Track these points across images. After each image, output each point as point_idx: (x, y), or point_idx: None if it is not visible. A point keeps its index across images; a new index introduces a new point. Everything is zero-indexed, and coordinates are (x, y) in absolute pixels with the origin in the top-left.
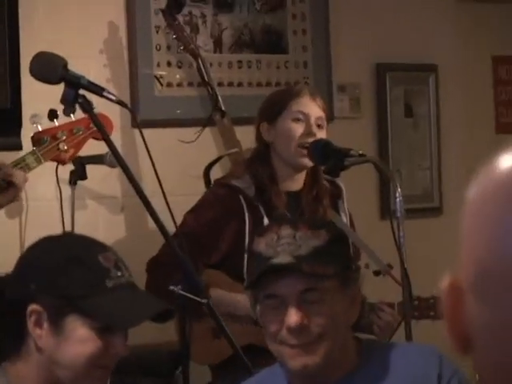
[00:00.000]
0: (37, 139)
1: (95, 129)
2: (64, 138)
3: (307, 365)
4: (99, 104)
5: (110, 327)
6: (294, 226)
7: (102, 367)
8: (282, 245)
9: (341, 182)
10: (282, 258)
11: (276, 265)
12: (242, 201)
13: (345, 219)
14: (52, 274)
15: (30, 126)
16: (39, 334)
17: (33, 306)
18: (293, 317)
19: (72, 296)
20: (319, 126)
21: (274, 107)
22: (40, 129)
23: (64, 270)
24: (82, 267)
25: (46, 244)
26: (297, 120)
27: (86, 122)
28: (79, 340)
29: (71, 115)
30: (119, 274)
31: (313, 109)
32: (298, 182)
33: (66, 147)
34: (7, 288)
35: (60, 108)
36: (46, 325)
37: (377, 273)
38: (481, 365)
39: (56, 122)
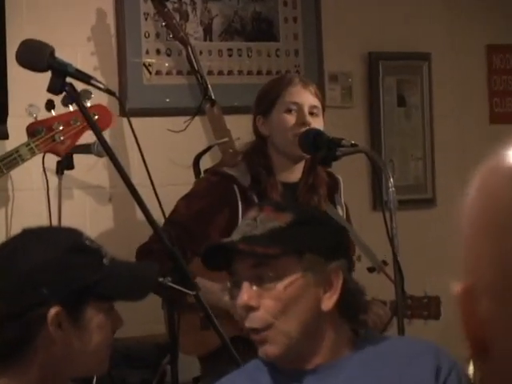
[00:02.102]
0: (32, 130)
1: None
2: (60, 128)
3: (267, 354)
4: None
5: (112, 305)
6: (259, 209)
7: (110, 346)
8: (242, 226)
9: (339, 175)
10: (233, 238)
11: (222, 243)
12: (236, 190)
13: (341, 212)
14: (58, 270)
15: (17, 115)
16: (61, 335)
17: (53, 310)
18: (242, 295)
19: (85, 285)
20: (313, 115)
21: (267, 100)
22: (33, 120)
23: (66, 262)
24: (80, 254)
25: (33, 245)
26: (289, 111)
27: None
28: (99, 327)
29: (69, 106)
30: (104, 249)
31: (305, 97)
32: (295, 174)
33: (62, 138)
34: (12, 303)
35: (57, 99)
36: (65, 324)
37: (371, 269)
38: (499, 368)
39: (53, 113)
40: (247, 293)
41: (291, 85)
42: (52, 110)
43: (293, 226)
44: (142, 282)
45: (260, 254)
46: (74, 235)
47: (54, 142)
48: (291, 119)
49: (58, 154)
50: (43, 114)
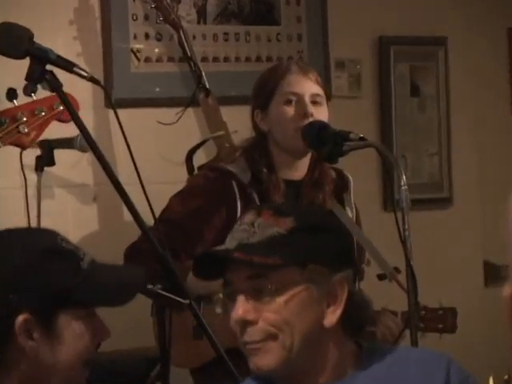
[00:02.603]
0: None
1: (59, 109)
2: (24, 119)
3: (259, 366)
4: (67, 81)
5: (92, 312)
6: (257, 213)
7: (89, 359)
8: (237, 232)
9: (348, 173)
10: (228, 245)
11: (216, 252)
12: (235, 187)
13: (350, 214)
14: (28, 275)
15: None
16: (32, 346)
17: (21, 317)
18: (237, 309)
19: (58, 290)
20: (316, 104)
21: (264, 92)
22: None
23: (38, 266)
24: (55, 258)
25: (1, 249)
26: (289, 102)
27: (49, 101)
28: (75, 336)
29: (32, 95)
30: (82, 252)
31: (305, 85)
32: (299, 171)
33: (26, 130)
34: None
35: (19, 86)
36: (37, 333)
37: (381, 276)
38: None
39: (15, 102)
40: (243, 307)
41: (288, 73)
42: (14, 100)
43: (295, 232)
44: (126, 287)
45: (258, 265)
46: (47, 237)
47: (19, 134)
48: (291, 111)
49: (22, 147)
50: (4, 105)
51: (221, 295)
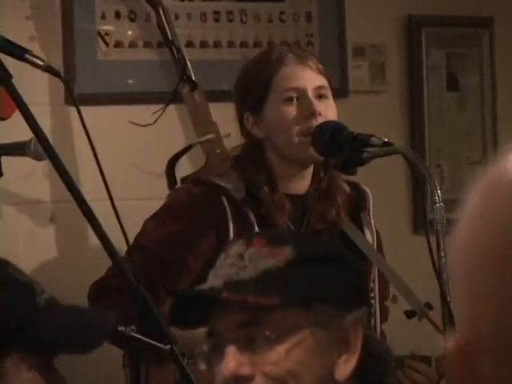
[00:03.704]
0: None
1: None
2: None
3: None
4: (17, 72)
5: (49, 361)
6: (247, 242)
7: None
8: (223, 267)
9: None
10: (213, 284)
11: (200, 291)
12: (226, 205)
13: (369, 238)
14: None
15: None
16: None
17: None
18: (228, 363)
19: (6, 330)
20: (321, 98)
21: (254, 90)
22: None
23: None
24: (4, 290)
25: None
26: (289, 100)
27: None
28: None
29: None
30: (40, 287)
31: (306, 77)
32: (304, 182)
33: None
34: None
35: None
36: None
37: (410, 314)
38: None
39: None
40: (235, 359)
41: (283, 63)
42: None
43: (294, 265)
44: (91, 331)
45: (252, 306)
46: None
47: None
48: (293, 111)
49: None
50: None
51: (204, 347)
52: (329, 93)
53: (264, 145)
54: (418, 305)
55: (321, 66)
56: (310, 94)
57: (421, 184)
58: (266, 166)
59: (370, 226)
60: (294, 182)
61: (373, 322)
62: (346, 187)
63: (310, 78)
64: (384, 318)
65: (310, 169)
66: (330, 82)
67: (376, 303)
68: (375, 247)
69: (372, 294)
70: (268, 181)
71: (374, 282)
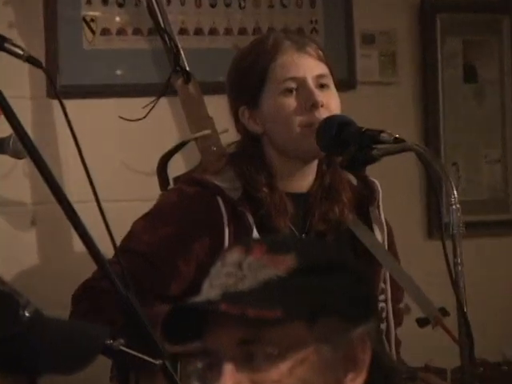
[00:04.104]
0: None
1: None
2: None
3: None
4: None
5: (31, 380)
6: (246, 249)
7: None
8: (219, 277)
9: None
10: (209, 295)
11: (194, 304)
12: (221, 205)
13: (379, 236)
14: None
15: None
16: None
17: None
18: (225, 383)
19: None
20: (322, 88)
21: (249, 82)
22: None
23: None
24: None
25: None
26: (288, 92)
27: None
28: None
29: None
30: (24, 299)
31: (306, 65)
32: (306, 180)
33: None
34: None
35: None
36: None
37: (422, 321)
38: None
39: None
40: (233, 379)
41: (279, 51)
42: None
43: (298, 274)
44: (80, 348)
45: (252, 320)
46: None
47: None
48: (293, 103)
49: None
50: None
51: (199, 365)
52: (330, 81)
53: (261, 140)
54: (432, 311)
55: (320, 52)
56: (311, 83)
57: (435, 184)
58: (264, 163)
59: (379, 221)
60: (295, 180)
61: (384, 327)
62: (353, 179)
63: (310, 66)
64: (398, 323)
65: (313, 165)
66: (331, 69)
67: (388, 306)
68: (386, 244)
69: (383, 297)
70: (267, 179)
71: (385, 282)
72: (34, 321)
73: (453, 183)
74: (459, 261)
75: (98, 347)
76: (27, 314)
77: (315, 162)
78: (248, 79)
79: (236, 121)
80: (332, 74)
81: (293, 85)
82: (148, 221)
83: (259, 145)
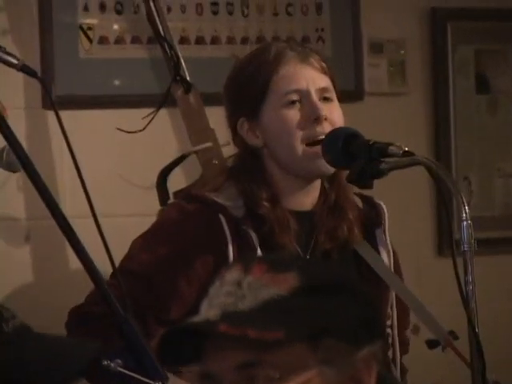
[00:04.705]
0: None
1: None
2: None
3: None
4: None
5: None
6: (246, 268)
7: None
8: (218, 296)
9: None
10: (206, 315)
11: (192, 324)
12: (224, 224)
13: (386, 259)
14: None
15: None
16: None
17: None
18: None
19: None
20: (326, 101)
21: (251, 93)
22: None
23: None
24: None
25: None
26: (291, 104)
27: None
28: None
29: None
30: (9, 312)
31: (309, 77)
32: (310, 197)
33: None
34: None
35: None
36: None
37: (432, 344)
38: None
39: None
40: None
41: (282, 62)
42: None
43: (300, 294)
44: (66, 363)
45: (253, 342)
46: None
47: None
48: (296, 115)
49: None
50: None
51: None
52: (333, 95)
53: (261, 154)
54: (442, 334)
55: (324, 64)
56: (314, 96)
57: (446, 199)
58: (265, 178)
59: (385, 244)
60: (298, 197)
61: (391, 354)
62: (358, 201)
63: (313, 79)
64: (404, 351)
65: (317, 183)
66: (333, 81)
67: (394, 332)
68: (392, 269)
69: (389, 322)
70: (269, 195)
71: (391, 307)
72: (18, 335)
73: (464, 198)
74: (470, 279)
75: (86, 362)
76: (11, 328)
77: (319, 180)
78: (249, 90)
79: (234, 133)
80: (335, 86)
81: (296, 97)
82: (146, 240)
83: (258, 158)
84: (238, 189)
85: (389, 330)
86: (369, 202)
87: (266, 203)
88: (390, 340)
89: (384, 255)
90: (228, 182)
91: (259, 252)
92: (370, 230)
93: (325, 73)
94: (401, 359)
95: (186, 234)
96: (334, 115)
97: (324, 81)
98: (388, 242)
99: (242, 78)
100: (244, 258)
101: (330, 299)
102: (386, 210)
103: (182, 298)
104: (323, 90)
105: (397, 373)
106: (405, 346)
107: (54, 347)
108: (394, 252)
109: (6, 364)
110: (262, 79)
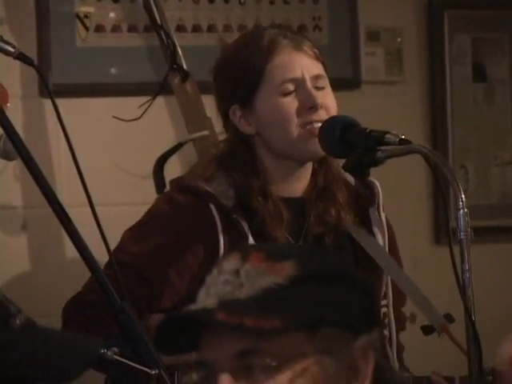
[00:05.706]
0: None
1: None
2: None
3: None
4: None
5: None
6: (244, 256)
7: None
8: (215, 285)
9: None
10: (205, 303)
11: (189, 312)
12: (215, 214)
13: (380, 238)
14: None
15: None
16: None
17: None
18: None
19: None
20: (319, 89)
21: (244, 81)
22: None
23: None
24: None
25: None
26: (287, 93)
27: None
28: None
29: None
30: (15, 307)
31: (303, 65)
32: (301, 183)
33: None
34: None
35: None
36: None
37: (428, 330)
38: None
39: None
40: None
41: (277, 50)
42: None
43: (298, 282)
44: (72, 358)
45: (250, 330)
46: None
47: None
48: (294, 103)
49: None
50: None
51: (194, 376)
52: (327, 82)
53: (253, 141)
54: (437, 318)
55: (316, 50)
56: (309, 84)
57: (443, 188)
58: (256, 167)
59: (380, 223)
60: (290, 184)
61: (387, 332)
62: (351, 179)
63: (307, 66)
64: (401, 328)
65: (309, 167)
66: (325, 67)
67: (390, 310)
68: (387, 247)
69: (385, 301)
70: (260, 186)
71: (387, 286)
72: (24, 330)
73: (461, 186)
74: (467, 267)
75: (91, 356)
76: (18, 324)
77: (310, 164)
78: (242, 78)
79: (225, 120)
80: (327, 72)
81: (291, 87)
82: (137, 231)
83: (250, 146)
84: (229, 179)
85: (385, 309)
86: (362, 180)
87: (257, 195)
88: (386, 319)
89: (379, 236)
90: (219, 171)
91: (251, 241)
92: (364, 209)
93: (317, 59)
94: (398, 336)
95: (176, 225)
96: (329, 103)
97: (317, 68)
98: (383, 219)
99: (234, 65)
100: (241, 247)
101: (327, 288)
102: (379, 188)
103: (173, 289)
104: (317, 76)
105: (393, 350)
106: (401, 323)
107: (60, 342)
108: (389, 227)
109: (18, 361)
110: (257, 68)
